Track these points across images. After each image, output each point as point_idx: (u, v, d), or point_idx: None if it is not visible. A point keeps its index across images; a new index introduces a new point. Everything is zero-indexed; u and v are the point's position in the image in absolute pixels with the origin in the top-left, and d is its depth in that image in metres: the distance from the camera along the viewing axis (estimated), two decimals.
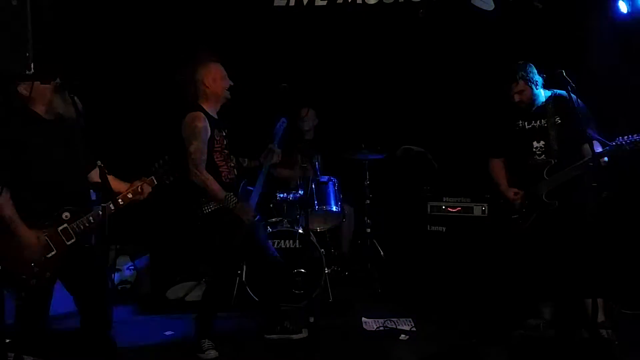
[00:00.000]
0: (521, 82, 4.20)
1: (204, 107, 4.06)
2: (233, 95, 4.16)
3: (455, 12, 5.87)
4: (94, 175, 3.51)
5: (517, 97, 4.23)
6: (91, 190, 3.55)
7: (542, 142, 4.19)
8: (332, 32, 6.01)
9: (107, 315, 3.46)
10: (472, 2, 5.90)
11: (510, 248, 4.18)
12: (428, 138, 5.80)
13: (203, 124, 3.94)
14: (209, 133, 3.96)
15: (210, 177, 3.93)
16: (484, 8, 5.90)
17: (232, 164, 4.18)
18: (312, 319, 3.55)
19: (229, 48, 5.95)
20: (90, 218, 3.31)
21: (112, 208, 3.33)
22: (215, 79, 4.07)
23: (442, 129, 5.90)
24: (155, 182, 3.52)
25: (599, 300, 3.96)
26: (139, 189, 3.47)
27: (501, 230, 4.30)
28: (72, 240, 3.28)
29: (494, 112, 4.49)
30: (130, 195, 3.44)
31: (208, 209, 3.98)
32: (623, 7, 5.32)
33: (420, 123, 5.97)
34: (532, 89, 4.21)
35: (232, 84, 4.13)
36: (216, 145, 4.02)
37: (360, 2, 6.00)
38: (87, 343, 3.41)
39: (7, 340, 3.09)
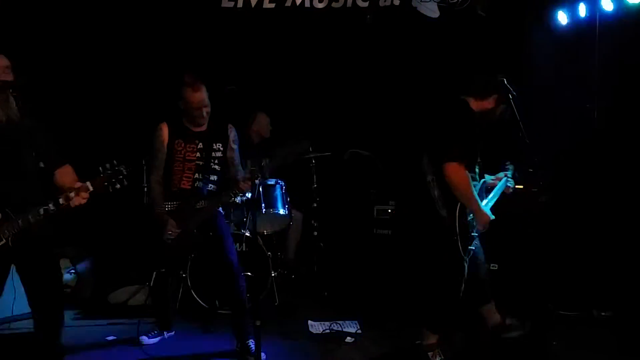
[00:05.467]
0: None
1: (184, 119, 4.20)
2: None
3: (402, 18, 5.96)
4: (61, 176, 3.36)
5: (499, 114, 3.93)
6: None
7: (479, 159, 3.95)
8: (280, 34, 6.01)
9: (58, 320, 3.38)
10: (418, 9, 6.00)
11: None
12: (375, 142, 5.86)
13: (157, 133, 4.17)
14: (165, 142, 4.14)
15: (154, 183, 4.17)
16: (430, 15, 6.02)
17: (197, 176, 4.13)
18: (258, 323, 3.53)
19: (175, 49, 5.93)
20: (20, 222, 3.16)
21: (52, 209, 3.22)
22: (186, 106, 4.13)
23: (388, 132, 5.97)
24: (91, 189, 3.20)
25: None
26: (70, 195, 3.18)
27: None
28: (2, 243, 3.16)
29: (462, 116, 4.10)
30: (61, 201, 3.19)
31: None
32: (562, 19, 5.52)
33: (367, 127, 6.03)
34: None
35: (206, 109, 4.11)
36: (176, 155, 4.15)
37: (309, 5, 6.03)
38: (36, 347, 3.32)
39: None
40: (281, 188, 5.48)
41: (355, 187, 5.79)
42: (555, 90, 5.31)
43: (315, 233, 5.66)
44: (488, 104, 3.88)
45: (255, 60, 5.97)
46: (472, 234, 3.76)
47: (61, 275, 3.67)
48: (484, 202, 3.92)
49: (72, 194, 3.19)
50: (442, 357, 3.83)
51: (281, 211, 5.41)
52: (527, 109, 4.21)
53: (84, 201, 3.21)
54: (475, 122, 3.79)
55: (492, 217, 3.82)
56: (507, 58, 5.44)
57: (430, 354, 3.85)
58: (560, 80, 5.31)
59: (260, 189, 5.32)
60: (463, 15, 5.89)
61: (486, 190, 4.06)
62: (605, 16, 5.24)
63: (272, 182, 5.45)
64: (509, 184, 4.14)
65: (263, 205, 5.30)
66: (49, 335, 3.37)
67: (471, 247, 3.74)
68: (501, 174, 4.14)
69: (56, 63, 5.73)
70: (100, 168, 3.25)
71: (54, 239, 3.44)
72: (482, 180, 4.01)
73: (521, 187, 4.43)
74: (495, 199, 4.03)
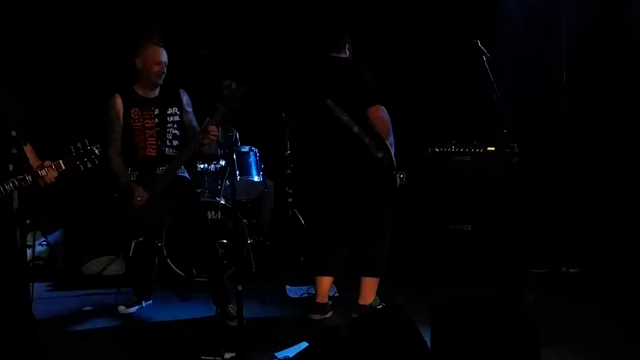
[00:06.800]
0: None
1: (135, 85, 4.16)
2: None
3: None
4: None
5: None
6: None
7: None
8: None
9: (26, 292, 3.33)
10: None
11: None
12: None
13: (110, 104, 4.11)
14: (120, 112, 4.10)
15: (113, 156, 4.07)
16: None
17: (160, 142, 4.12)
18: (240, 287, 3.55)
19: (147, 15, 5.79)
20: None
21: (30, 181, 3.16)
22: (146, 63, 4.08)
23: None
24: (63, 167, 3.21)
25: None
26: (41, 173, 3.15)
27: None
28: None
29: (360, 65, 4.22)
30: (29, 178, 3.15)
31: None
32: None
33: None
34: None
35: (164, 71, 4.11)
36: (134, 124, 4.11)
37: None
38: (5, 320, 3.27)
39: None
40: (255, 155, 5.46)
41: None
42: (524, 50, 5.36)
43: (290, 200, 5.67)
44: (349, 53, 4.22)
45: (229, 26, 5.88)
46: None
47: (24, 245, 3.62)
48: None
49: (43, 172, 3.14)
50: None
51: (255, 178, 5.40)
52: (498, 71, 4.26)
53: (53, 179, 3.18)
54: None
55: None
56: (476, 19, 5.46)
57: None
58: (529, 41, 5.36)
59: (234, 157, 5.30)
60: None
61: None
62: None
63: (246, 149, 5.44)
64: None
65: (237, 172, 5.28)
66: (16, 308, 3.30)
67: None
68: None
69: None
70: (72, 147, 3.21)
71: (20, 209, 3.38)
72: None
73: (493, 148, 4.51)
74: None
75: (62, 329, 4.07)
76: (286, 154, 5.65)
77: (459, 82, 5.41)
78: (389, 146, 4.01)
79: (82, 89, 5.69)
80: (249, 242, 5.12)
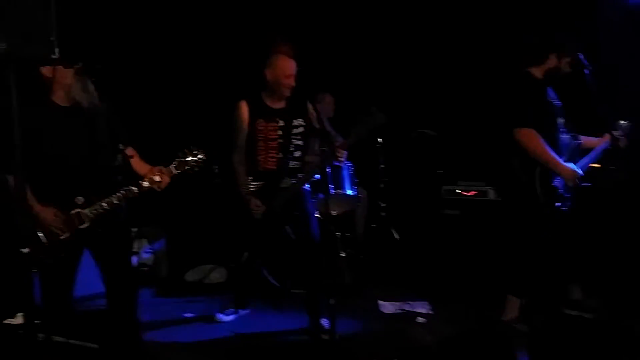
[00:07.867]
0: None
1: (263, 94, 4.19)
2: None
3: None
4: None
5: (566, 70, 4.02)
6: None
7: (562, 120, 4.02)
8: (343, 10, 5.99)
9: (133, 297, 3.50)
10: None
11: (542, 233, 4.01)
12: (442, 121, 5.79)
13: (237, 112, 4.16)
14: (246, 121, 4.13)
15: (236, 163, 4.18)
16: None
17: (281, 155, 4.15)
18: (332, 301, 3.58)
19: (242, 26, 6.00)
20: (104, 204, 3.27)
21: (136, 191, 3.33)
22: (276, 74, 4.10)
23: (456, 112, 5.89)
24: (174, 172, 3.35)
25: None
26: (156, 179, 3.30)
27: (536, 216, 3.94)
28: (85, 225, 3.26)
29: (521, 86, 3.99)
30: (146, 184, 3.30)
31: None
32: None
33: (434, 106, 5.96)
34: None
35: (294, 84, 4.10)
36: (258, 135, 4.15)
37: None
38: (113, 323, 3.45)
39: (37, 321, 3.12)
40: (349, 169, 5.50)
41: (423, 167, 5.74)
42: (623, 66, 5.10)
43: (383, 214, 5.66)
44: (550, 64, 3.95)
45: (319, 39, 5.98)
46: (560, 192, 3.87)
47: (132, 253, 3.77)
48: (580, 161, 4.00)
49: (157, 177, 3.30)
50: (528, 327, 3.83)
51: (349, 192, 5.44)
52: (603, 85, 4.08)
53: (166, 184, 3.33)
54: (538, 89, 3.89)
55: (579, 171, 3.88)
56: (576, 32, 5.25)
57: (517, 325, 3.87)
58: (629, 57, 5.10)
59: (328, 170, 5.35)
60: None
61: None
62: None
63: (339, 163, 5.47)
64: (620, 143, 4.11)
65: (331, 186, 5.34)
66: (124, 312, 3.47)
67: (558, 204, 3.86)
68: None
69: (121, 41, 5.81)
70: (180, 153, 3.36)
71: (128, 218, 3.56)
72: (577, 141, 4.06)
73: (598, 165, 4.31)
74: (592, 158, 4.06)
75: (163, 334, 4.25)
76: (380, 167, 5.66)
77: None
78: (535, 172, 3.83)
79: (210, 96, 5.94)
80: (342, 255, 5.15)
